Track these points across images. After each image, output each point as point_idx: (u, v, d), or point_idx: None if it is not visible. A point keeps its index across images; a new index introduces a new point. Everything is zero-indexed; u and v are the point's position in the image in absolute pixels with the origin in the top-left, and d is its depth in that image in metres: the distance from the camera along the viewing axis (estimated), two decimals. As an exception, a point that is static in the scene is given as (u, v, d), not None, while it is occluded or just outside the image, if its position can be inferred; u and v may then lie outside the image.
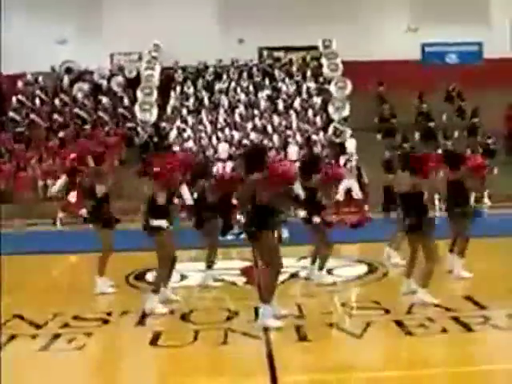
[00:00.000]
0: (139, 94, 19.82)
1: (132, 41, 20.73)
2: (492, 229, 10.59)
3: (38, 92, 20.45)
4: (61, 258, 9.74)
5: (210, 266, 7.94)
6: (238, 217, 8.91)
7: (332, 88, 19.87)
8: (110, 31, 21.39)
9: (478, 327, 5.93)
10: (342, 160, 16.54)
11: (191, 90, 20.61)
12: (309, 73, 21.08)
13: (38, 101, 20.14)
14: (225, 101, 19.95)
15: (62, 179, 14.50)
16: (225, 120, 19.14)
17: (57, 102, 20.09)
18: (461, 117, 19.84)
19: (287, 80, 20.87)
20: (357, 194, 15.43)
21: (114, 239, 7.89)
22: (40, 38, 21.14)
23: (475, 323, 6.01)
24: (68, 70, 21.40)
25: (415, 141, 18.59)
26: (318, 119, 19.11)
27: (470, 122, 19.27)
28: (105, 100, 20.03)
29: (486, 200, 15.59)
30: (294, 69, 21.36)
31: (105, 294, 7.63)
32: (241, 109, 19.48)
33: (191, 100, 20.17)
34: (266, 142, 17.63)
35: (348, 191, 15.53)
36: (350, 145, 17.26)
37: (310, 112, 19.30)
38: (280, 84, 20.66)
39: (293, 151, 16.92)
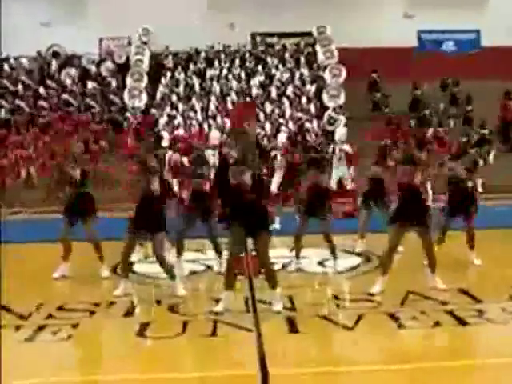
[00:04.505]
0: (128, 79, 19.56)
1: (121, 25, 20.37)
2: (487, 220, 10.47)
3: (23, 77, 20.08)
4: (46, 247, 9.57)
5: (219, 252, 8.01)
6: None
7: (326, 75, 19.70)
8: (98, 14, 21.04)
9: (472, 320, 5.86)
10: (332, 149, 16.45)
11: (182, 76, 20.37)
12: (302, 59, 20.89)
13: (20, 86, 19.75)
14: (216, 88, 19.73)
15: None
16: (216, 107, 18.94)
17: (42, 87, 19.73)
18: (455, 105, 19.75)
19: (280, 67, 20.67)
20: (348, 183, 15.32)
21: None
22: (24, 21, 20.65)
23: (469, 316, 5.94)
24: (55, 55, 21.00)
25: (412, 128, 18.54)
26: (311, 107, 18.95)
27: (465, 110, 19.21)
28: (91, 85, 19.72)
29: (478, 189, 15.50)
30: (288, 55, 21.15)
31: (58, 279, 7.68)
32: (232, 96, 19.28)
33: (181, 86, 19.95)
34: (257, 129, 17.47)
35: (340, 181, 15.42)
36: (340, 133, 17.16)
37: (304, 99, 19.14)
38: (273, 71, 20.46)
39: (282, 139, 16.77)
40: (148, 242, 8.13)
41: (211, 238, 8.08)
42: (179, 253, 8.02)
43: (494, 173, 15.81)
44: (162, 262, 6.97)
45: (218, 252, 8.03)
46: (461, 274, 7.68)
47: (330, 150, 16.29)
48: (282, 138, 16.86)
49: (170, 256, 7.86)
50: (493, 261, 8.16)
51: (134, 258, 7.53)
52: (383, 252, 7.05)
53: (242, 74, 20.36)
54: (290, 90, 19.47)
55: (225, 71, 20.53)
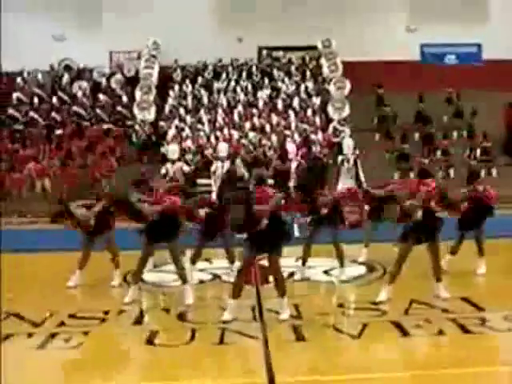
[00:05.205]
0: (137, 92, 19.75)
1: (131, 39, 20.62)
2: (491, 230, 10.54)
3: (36, 90, 20.37)
4: (58, 256, 9.70)
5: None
6: None
7: (331, 88, 19.85)
8: (109, 28, 21.30)
9: (474, 329, 5.92)
10: (339, 159, 16.53)
11: (190, 89, 20.58)
12: (308, 73, 21.07)
13: (36, 99, 20.05)
14: (223, 100, 19.91)
15: None
16: (223, 119, 19.10)
17: (55, 99, 20.02)
18: (459, 118, 19.81)
19: (286, 80, 20.85)
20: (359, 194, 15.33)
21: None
22: (37, 35, 20.95)
23: (472, 325, 6.00)
24: (67, 68, 21.30)
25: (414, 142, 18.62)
26: (317, 119, 19.08)
27: (468, 123, 19.27)
28: (102, 97, 19.96)
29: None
30: (293, 68, 21.34)
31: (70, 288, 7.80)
32: (239, 108, 19.45)
33: (189, 99, 20.14)
34: (264, 141, 17.59)
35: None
36: (346, 145, 17.22)
37: (309, 112, 19.29)
38: (279, 84, 20.64)
39: (291, 149, 16.84)
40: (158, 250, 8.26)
41: (226, 248, 8.22)
42: (193, 262, 8.14)
43: (500, 183, 15.84)
44: (178, 263, 7.15)
45: (231, 262, 8.16)
46: (464, 283, 7.74)
47: (339, 161, 16.41)
48: (291, 147, 16.94)
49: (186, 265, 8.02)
50: (496, 270, 8.22)
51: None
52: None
53: (249, 87, 20.55)
54: (295, 103, 19.62)
55: (232, 84, 20.73)
